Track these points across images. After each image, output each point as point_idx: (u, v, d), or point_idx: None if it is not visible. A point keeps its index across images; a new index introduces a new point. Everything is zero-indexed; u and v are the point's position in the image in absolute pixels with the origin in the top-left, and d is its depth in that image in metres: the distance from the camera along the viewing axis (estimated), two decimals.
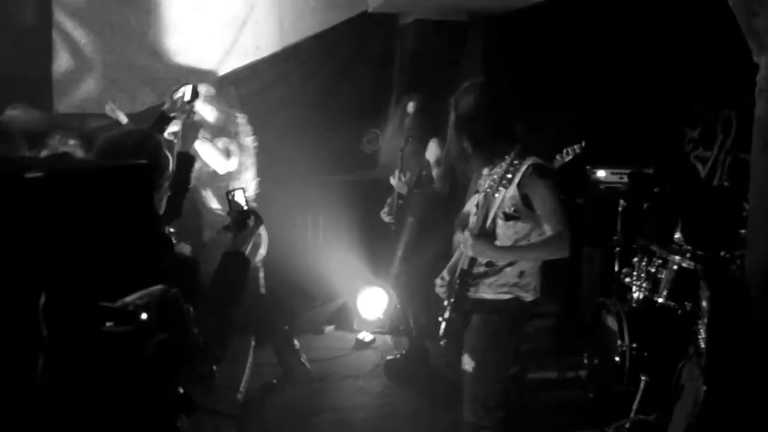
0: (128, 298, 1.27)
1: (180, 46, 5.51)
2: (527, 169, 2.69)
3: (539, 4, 5.09)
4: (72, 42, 5.30)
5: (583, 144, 2.74)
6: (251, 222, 2.14)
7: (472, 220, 2.84)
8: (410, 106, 4.69)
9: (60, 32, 5.29)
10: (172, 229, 4.29)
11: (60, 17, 5.27)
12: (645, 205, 4.04)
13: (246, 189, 2.27)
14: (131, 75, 5.43)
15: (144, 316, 1.26)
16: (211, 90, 4.04)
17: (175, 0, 5.48)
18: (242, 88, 5.69)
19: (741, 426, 2.69)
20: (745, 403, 2.67)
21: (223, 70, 5.64)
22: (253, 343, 4.21)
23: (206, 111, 4.00)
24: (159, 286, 1.34)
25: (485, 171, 2.89)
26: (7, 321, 1.18)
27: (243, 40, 5.69)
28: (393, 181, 4.68)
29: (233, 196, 2.20)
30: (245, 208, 2.19)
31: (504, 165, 2.63)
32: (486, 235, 2.72)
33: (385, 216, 4.85)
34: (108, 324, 1.23)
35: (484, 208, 2.74)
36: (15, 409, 1.24)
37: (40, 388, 1.25)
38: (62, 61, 5.30)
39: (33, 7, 5.21)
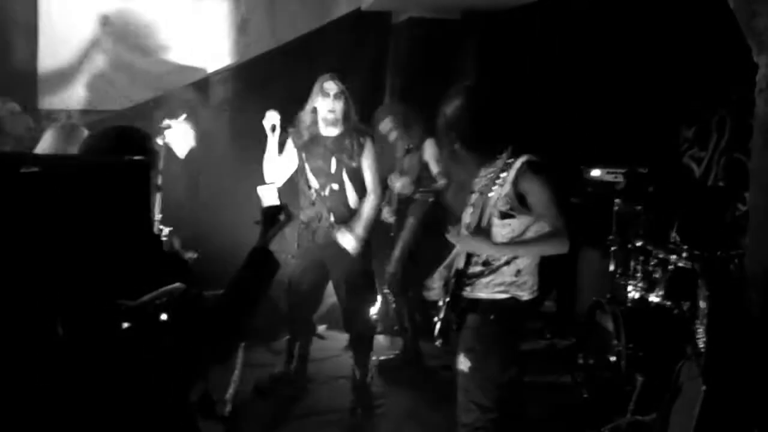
0: (147, 297, 1.24)
1: (171, 42, 5.46)
2: (521, 166, 2.68)
3: (534, 3, 5.09)
4: (59, 37, 5.23)
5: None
6: (282, 218, 2.10)
7: (468, 218, 2.82)
8: (383, 124, 4.69)
9: (46, 27, 5.22)
10: (161, 226, 4.24)
11: (46, 11, 5.21)
12: (640, 205, 4.03)
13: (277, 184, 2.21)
14: (120, 72, 5.38)
15: (164, 316, 1.23)
16: (340, 85, 3.88)
17: None
18: (233, 86, 5.66)
19: (741, 426, 2.68)
20: (745, 403, 2.66)
21: (214, 68, 5.60)
22: (243, 344, 4.16)
23: (337, 106, 3.86)
24: (177, 285, 1.31)
25: (481, 171, 2.88)
26: (20, 319, 1.14)
27: (235, 38, 5.65)
28: (397, 183, 4.63)
29: (264, 191, 2.15)
30: (276, 203, 2.14)
31: (498, 164, 2.61)
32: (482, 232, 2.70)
33: (385, 215, 4.82)
34: (126, 324, 1.20)
35: (479, 207, 2.73)
36: (30, 407, 1.21)
37: (55, 385, 1.22)
38: (48, 57, 5.23)
39: (20, 3, 5.14)
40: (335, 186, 3.94)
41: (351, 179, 3.94)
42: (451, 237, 2.82)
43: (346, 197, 3.96)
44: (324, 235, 3.95)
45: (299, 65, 5.74)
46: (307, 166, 3.97)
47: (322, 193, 3.95)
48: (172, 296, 1.28)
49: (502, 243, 2.72)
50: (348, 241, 3.92)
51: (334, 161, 3.92)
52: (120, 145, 1.89)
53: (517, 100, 3.38)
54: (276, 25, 5.72)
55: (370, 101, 5.58)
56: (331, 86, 3.86)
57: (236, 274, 1.96)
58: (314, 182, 3.97)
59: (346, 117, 3.90)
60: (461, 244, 2.75)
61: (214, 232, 5.04)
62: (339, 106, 3.86)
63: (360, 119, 4.10)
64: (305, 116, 3.92)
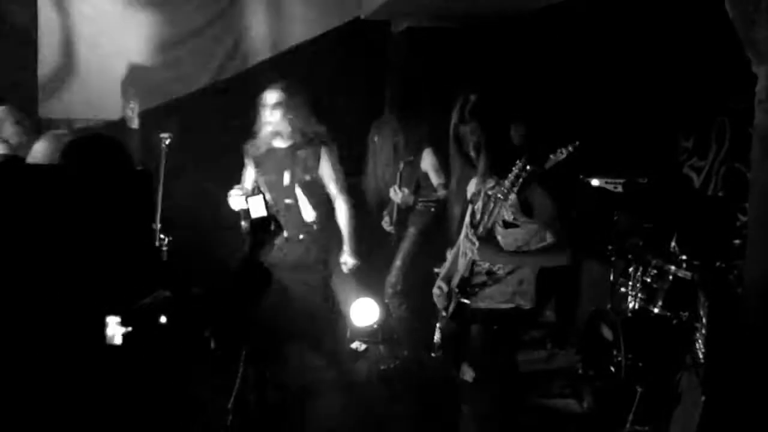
0: (146, 300, 1.25)
1: (169, 51, 5.47)
2: (527, 177, 2.68)
3: (533, 12, 5.11)
4: (59, 46, 5.24)
5: (577, 143, 2.73)
6: (272, 228, 2.10)
7: (475, 224, 2.82)
8: (382, 135, 4.71)
9: (47, 36, 5.22)
10: (163, 236, 4.25)
11: (47, 21, 5.21)
12: (640, 215, 4.04)
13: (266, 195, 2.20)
14: (120, 80, 5.38)
15: (163, 319, 1.23)
16: (280, 95, 3.68)
17: (163, 5, 5.44)
18: (232, 95, 5.66)
19: None
20: (745, 413, 2.65)
21: (213, 77, 5.60)
22: (243, 353, 4.15)
23: (273, 117, 3.68)
24: (164, 292, 1.31)
25: (479, 179, 2.89)
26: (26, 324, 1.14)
27: (234, 47, 5.65)
28: (397, 196, 4.65)
29: (252, 201, 2.15)
30: (264, 214, 2.15)
31: (514, 172, 2.62)
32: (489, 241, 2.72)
33: (386, 225, 4.85)
34: (128, 327, 1.21)
35: (484, 215, 2.74)
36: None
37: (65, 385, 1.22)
38: (49, 66, 5.23)
39: (19, 10, 5.15)
40: (289, 200, 3.77)
41: (306, 193, 3.77)
42: (463, 241, 2.82)
43: (300, 212, 3.78)
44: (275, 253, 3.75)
45: (298, 74, 5.76)
46: (261, 180, 3.83)
47: (275, 209, 3.72)
48: (166, 300, 1.29)
49: (507, 252, 2.73)
50: (347, 262, 3.92)
51: (287, 175, 3.76)
52: (95, 157, 1.88)
53: (519, 110, 3.39)
54: (274, 33, 5.73)
55: (370, 111, 5.60)
56: (270, 96, 3.70)
57: (227, 286, 1.96)
58: (268, 196, 3.71)
59: (293, 129, 3.73)
60: (470, 251, 2.76)
61: (214, 240, 5.04)
62: (276, 117, 3.69)
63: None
64: (260, 127, 3.77)
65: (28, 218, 1.21)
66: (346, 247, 3.94)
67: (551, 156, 2.73)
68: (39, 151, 2.90)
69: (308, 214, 3.81)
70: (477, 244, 2.71)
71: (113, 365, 1.30)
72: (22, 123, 3.72)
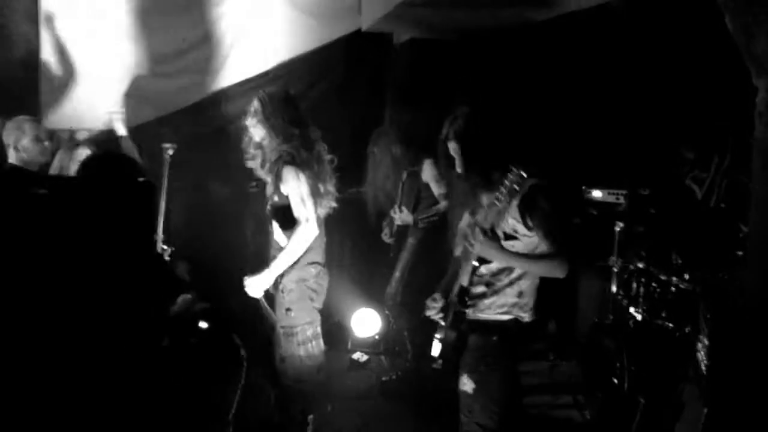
0: (178, 307, 1.26)
1: (172, 61, 5.49)
2: (527, 190, 2.69)
3: (533, 24, 5.13)
4: (61, 57, 5.27)
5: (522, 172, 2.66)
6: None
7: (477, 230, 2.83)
8: (381, 146, 4.72)
9: (49, 47, 5.25)
10: (165, 247, 4.26)
11: (49, 30, 5.24)
12: (642, 226, 4.05)
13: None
14: (124, 90, 5.40)
15: (204, 324, 1.25)
16: (255, 104, 3.37)
17: (167, 16, 5.46)
18: (233, 106, 5.68)
19: None
20: (746, 425, 2.64)
21: (214, 87, 5.62)
22: (245, 363, 4.15)
23: (251, 123, 3.38)
24: (188, 296, 1.33)
25: (479, 192, 2.89)
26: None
27: (234, 57, 5.68)
28: (396, 216, 4.68)
29: None
30: None
31: (506, 185, 2.61)
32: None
33: (386, 237, 4.87)
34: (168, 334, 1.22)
35: (488, 222, 2.74)
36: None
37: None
38: (52, 74, 5.26)
39: (22, 22, 5.18)
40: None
41: (274, 216, 3.40)
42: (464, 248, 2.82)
43: (273, 239, 3.44)
44: None
45: (299, 85, 5.78)
46: None
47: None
48: (200, 305, 1.31)
49: (509, 251, 2.73)
50: (250, 283, 3.18)
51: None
52: (106, 171, 1.90)
53: (518, 121, 3.40)
54: (275, 44, 5.75)
55: (370, 122, 5.63)
56: (252, 103, 3.43)
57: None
58: None
59: (269, 139, 3.37)
60: (474, 244, 2.74)
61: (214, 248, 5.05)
62: (252, 123, 3.39)
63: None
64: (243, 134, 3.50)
65: (33, 228, 1.22)
66: (266, 269, 3.30)
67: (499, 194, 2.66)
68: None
69: (279, 238, 3.44)
70: (481, 235, 2.69)
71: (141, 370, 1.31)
72: (40, 140, 3.74)
